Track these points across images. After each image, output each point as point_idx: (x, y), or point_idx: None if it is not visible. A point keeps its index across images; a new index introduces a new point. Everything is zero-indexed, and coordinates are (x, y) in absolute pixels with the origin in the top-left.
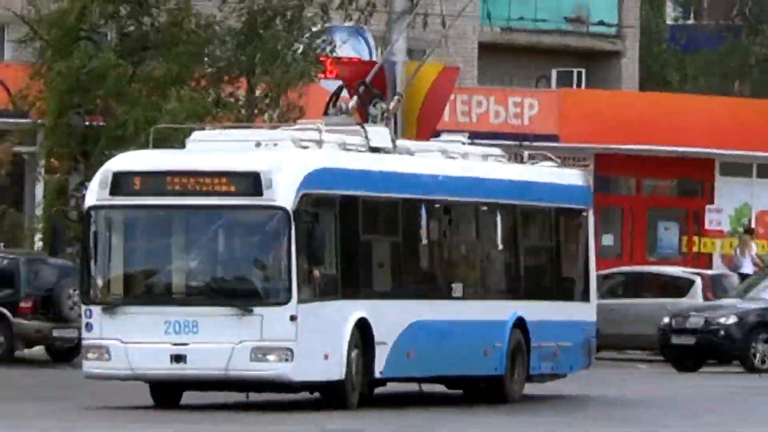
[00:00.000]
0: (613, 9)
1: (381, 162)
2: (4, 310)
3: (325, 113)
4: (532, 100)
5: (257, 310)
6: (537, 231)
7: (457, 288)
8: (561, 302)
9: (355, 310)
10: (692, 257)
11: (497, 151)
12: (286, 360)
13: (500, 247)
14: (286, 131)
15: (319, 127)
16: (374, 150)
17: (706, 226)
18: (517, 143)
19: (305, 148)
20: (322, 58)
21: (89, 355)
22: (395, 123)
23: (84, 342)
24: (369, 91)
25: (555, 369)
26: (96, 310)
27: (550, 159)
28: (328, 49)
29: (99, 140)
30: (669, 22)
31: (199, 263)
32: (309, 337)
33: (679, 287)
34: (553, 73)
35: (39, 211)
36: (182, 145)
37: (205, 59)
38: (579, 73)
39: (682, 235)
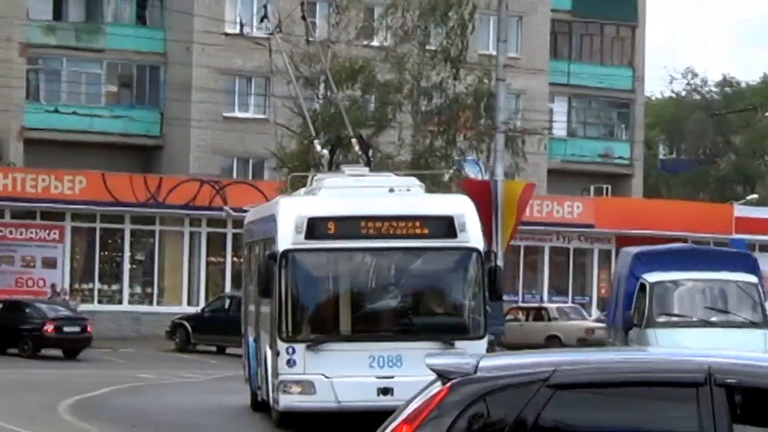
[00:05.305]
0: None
1: None
2: None
3: (368, 163)
4: (578, 203)
5: (459, 344)
6: None
7: None
8: None
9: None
10: None
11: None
12: None
13: None
14: (411, 179)
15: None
16: None
17: None
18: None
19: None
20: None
21: (292, 390)
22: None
23: (285, 377)
24: (363, 142)
25: None
26: (299, 347)
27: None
28: (462, 173)
29: None
30: (660, 156)
31: (399, 302)
32: None
33: None
34: (591, 188)
35: None
36: None
37: None
38: (606, 188)
39: None
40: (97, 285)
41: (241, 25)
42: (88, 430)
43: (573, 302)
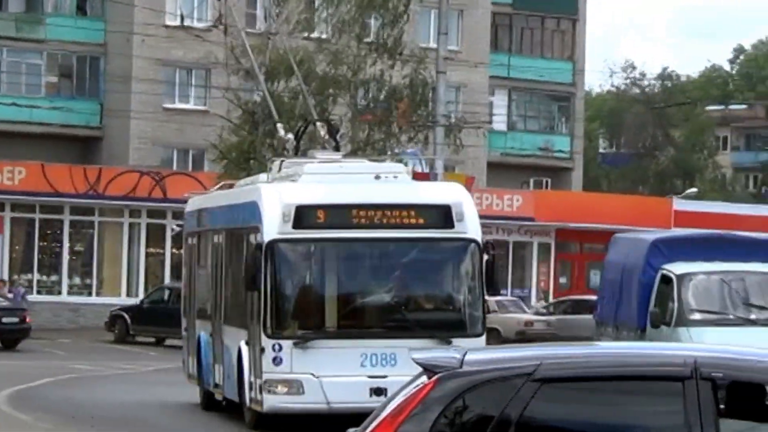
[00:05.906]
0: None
1: None
2: None
3: (336, 148)
4: (518, 196)
5: (457, 341)
6: None
7: None
8: None
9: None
10: None
11: None
12: None
13: None
14: (396, 165)
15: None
16: None
17: None
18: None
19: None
20: None
21: (278, 389)
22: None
23: (270, 376)
24: (331, 126)
25: None
26: (286, 344)
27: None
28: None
29: None
30: (600, 150)
31: (393, 296)
32: None
33: None
34: (531, 181)
35: None
36: None
37: None
38: (546, 181)
39: None
40: (36, 276)
41: (182, 17)
42: (25, 421)
43: (512, 295)
